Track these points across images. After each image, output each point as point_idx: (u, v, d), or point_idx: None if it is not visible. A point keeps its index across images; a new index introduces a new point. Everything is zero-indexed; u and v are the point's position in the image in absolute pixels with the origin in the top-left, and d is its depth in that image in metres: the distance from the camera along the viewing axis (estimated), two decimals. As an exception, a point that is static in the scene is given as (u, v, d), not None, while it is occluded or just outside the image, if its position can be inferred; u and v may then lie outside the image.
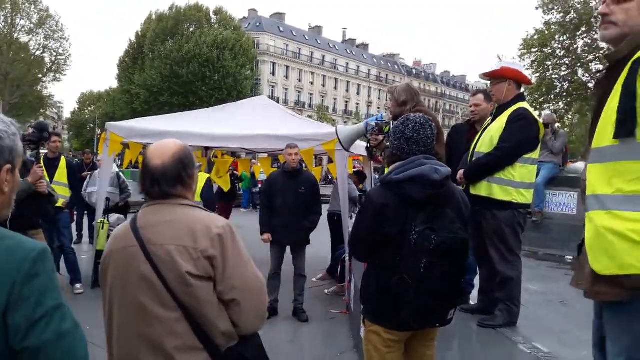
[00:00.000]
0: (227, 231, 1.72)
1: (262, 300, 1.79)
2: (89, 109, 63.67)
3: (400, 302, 2.31)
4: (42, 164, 4.72)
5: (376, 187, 2.62)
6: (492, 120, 4.50)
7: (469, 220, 2.71)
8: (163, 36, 41.15)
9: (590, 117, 1.95)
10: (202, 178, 6.57)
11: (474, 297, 4.83)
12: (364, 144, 7.22)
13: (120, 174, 7.63)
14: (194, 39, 39.73)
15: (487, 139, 4.37)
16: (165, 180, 1.76)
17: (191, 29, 42.18)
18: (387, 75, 77.02)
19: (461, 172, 4.39)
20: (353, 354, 4.51)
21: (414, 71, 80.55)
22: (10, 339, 1.11)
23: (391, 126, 4.50)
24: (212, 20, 44.05)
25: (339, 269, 6.55)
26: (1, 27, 39.36)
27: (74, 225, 8.84)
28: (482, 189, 4.29)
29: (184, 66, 38.60)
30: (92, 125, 54.71)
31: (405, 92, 3.96)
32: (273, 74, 62.46)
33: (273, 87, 61.56)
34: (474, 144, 4.52)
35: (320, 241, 6.76)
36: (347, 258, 5.91)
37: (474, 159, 4.42)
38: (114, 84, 44.58)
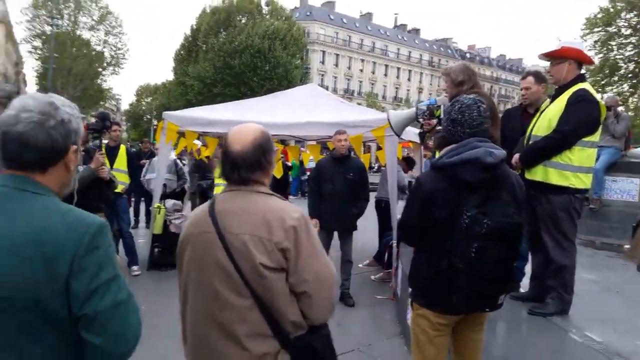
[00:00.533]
0: (301, 223, 1.70)
1: (332, 293, 1.79)
2: (146, 100, 66.00)
3: (450, 286, 2.29)
4: (104, 152, 4.99)
5: (427, 171, 2.58)
6: (551, 102, 4.33)
7: (524, 204, 2.63)
8: (216, 28, 41.98)
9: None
10: None
11: (524, 285, 4.70)
12: (414, 130, 7.15)
13: (178, 161, 7.92)
14: (246, 31, 40.28)
15: (545, 122, 4.20)
16: (245, 166, 1.75)
17: (243, 21, 42.79)
18: (439, 60, 75.16)
19: (517, 156, 4.25)
20: (399, 340, 4.51)
21: (467, 55, 78.14)
22: (71, 305, 1.21)
23: (442, 110, 4.42)
24: (264, 11, 44.49)
25: (385, 256, 6.54)
26: (66, 24, 41.42)
27: (131, 211, 9.27)
28: (537, 174, 4.15)
29: (236, 57, 39.25)
30: (148, 117, 56.73)
31: (463, 72, 3.82)
32: (323, 62, 62.45)
33: (322, 75, 61.56)
34: (530, 127, 4.36)
35: (367, 228, 6.77)
36: (394, 244, 5.89)
37: (530, 142, 4.27)
38: (170, 76, 45.97)
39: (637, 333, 3.84)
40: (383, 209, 6.87)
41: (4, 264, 1.17)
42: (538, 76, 4.76)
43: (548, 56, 4.38)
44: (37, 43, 41.97)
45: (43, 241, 1.19)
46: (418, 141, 7.42)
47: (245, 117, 6.66)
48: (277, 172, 9.64)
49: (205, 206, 1.83)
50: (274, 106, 7.46)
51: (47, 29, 40.01)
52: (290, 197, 17.30)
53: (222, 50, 40.11)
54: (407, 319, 4.41)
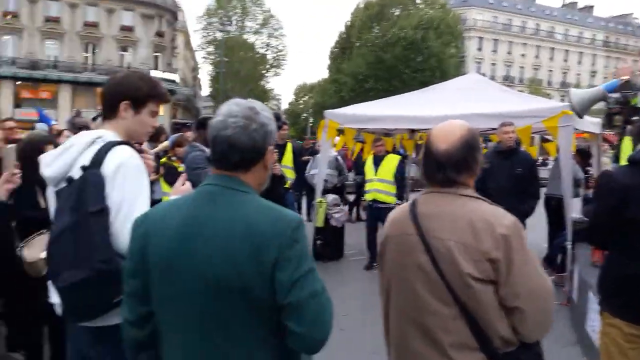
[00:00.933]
0: (513, 231, 1.56)
1: (549, 309, 1.66)
2: (303, 99, 69.54)
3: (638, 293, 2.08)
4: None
5: (622, 166, 2.34)
6: None
7: None
8: (369, 23, 42.43)
9: None
10: (395, 158, 6.80)
11: None
12: (592, 120, 6.43)
13: (339, 157, 8.23)
14: (399, 23, 40.05)
15: None
16: (451, 166, 1.64)
17: (396, 13, 42.60)
18: (617, 39, 66.37)
19: None
20: (576, 349, 4.13)
21: (653, 31, 67.71)
22: (277, 294, 1.32)
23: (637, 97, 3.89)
24: (417, 1, 43.74)
25: (558, 258, 6.00)
26: (234, 30, 45.59)
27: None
28: None
29: (388, 51, 39.27)
30: (305, 114, 59.70)
31: None
32: (480, 49, 59.33)
33: (479, 63, 58.49)
34: None
35: (535, 227, 6.28)
36: (568, 246, 5.38)
37: None
38: (326, 74, 47.75)
39: None
40: (554, 207, 6.30)
41: (220, 255, 1.33)
42: None
43: None
44: (210, 49, 46.83)
45: (252, 235, 1.33)
46: (595, 131, 6.67)
47: (404, 112, 6.65)
48: None
49: (405, 207, 1.78)
50: (431, 99, 7.31)
51: (219, 35, 44.37)
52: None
53: (375, 44, 40.40)
54: (587, 326, 4.01)
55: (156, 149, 6.11)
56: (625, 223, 2.13)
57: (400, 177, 6.71)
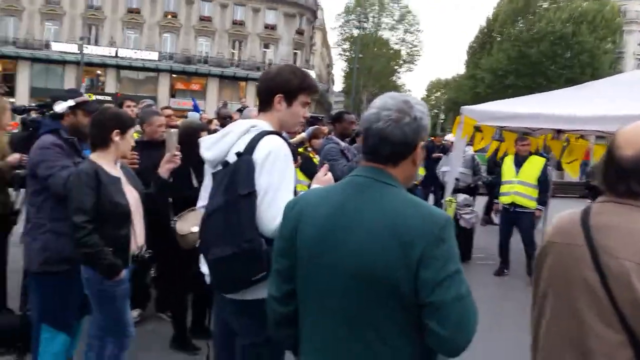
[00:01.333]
0: None
1: None
2: (436, 95, 67.89)
3: None
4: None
5: None
6: None
7: None
8: (513, 17, 40.01)
9: None
10: (540, 161, 6.40)
11: None
12: None
13: (475, 156, 7.88)
14: (547, 16, 37.14)
15: None
16: (636, 177, 1.41)
17: (544, 5, 39.57)
18: None
19: None
20: None
21: None
22: (419, 292, 1.29)
23: None
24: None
25: None
26: (370, 27, 45.94)
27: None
28: None
29: (532, 46, 36.68)
30: (436, 111, 58.22)
31: None
32: (642, 44, 52.60)
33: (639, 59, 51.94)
34: None
35: None
36: None
37: None
38: (461, 70, 46.14)
39: None
40: None
41: (367, 247, 1.33)
42: None
43: None
44: (346, 46, 47.77)
45: (400, 229, 1.31)
46: None
47: (549, 110, 6.13)
48: (573, 171, 8.57)
49: (575, 215, 1.56)
50: (582, 97, 6.65)
51: (355, 32, 45.06)
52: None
53: (518, 39, 37.99)
54: None
55: (294, 140, 6.41)
56: None
57: (544, 181, 6.34)
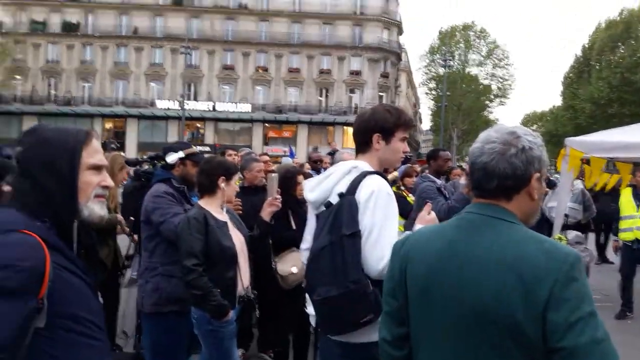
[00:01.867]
0: None
1: None
2: (532, 128, 65.06)
3: None
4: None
5: None
6: None
7: None
8: (612, 43, 37.75)
9: None
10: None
11: None
12: None
13: (586, 191, 7.33)
14: (650, 39, 34.63)
15: None
16: None
17: (646, 29, 36.97)
18: None
19: None
20: None
21: None
22: (548, 335, 1.18)
23: None
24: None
25: None
26: (456, 64, 45.43)
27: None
28: None
29: (637, 72, 34.14)
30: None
31: None
32: None
33: None
34: None
35: None
36: None
37: None
38: (558, 101, 43.90)
39: None
40: None
41: (483, 284, 1.26)
42: None
43: None
44: (432, 85, 47.44)
45: (522, 267, 1.22)
46: None
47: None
48: None
49: None
50: None
51: (441, 70, 44.78)
52: None
53: (620, 65, 35.59)
54: None
55: (386, 179, 6.40)
56: None
57: None
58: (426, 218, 2.04)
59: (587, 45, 40.92)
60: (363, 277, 1.85)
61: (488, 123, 47.46)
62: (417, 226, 1.98)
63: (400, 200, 5.25)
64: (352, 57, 41.48)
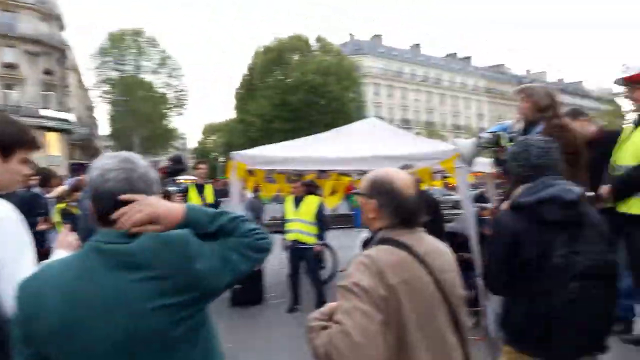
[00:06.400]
0: None
1: None
2: (212, 138, 68.49)
3: (549, 331, 2.18)
4: (195, 189, 6.21)
5: (506, 211, 2.47)
6: (635, 128, 4.10)
7: (616, 242, 2.49)
8: (270, 66, 43.27)
9: None
10: (315, 200, 6.82)
11: (637, 329, 4.32)
12: (485, 160, 6.96)
13: (256, 200, 8.11)
14: (298, 67, 41.33)
15: (631, 150, 3.97)
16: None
17: (295, 58, 43.96)
18: (495, 86, 73.81)
19: (606, 187, 4.02)
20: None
21: (525, 80, 76.31)
22: None
23: (505, 136, 4.27)
24: (313, 48, 45.48)
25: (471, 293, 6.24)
26: (130, 69, 44.21)
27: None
28: (633, 206, 3.89)
29: (292, 93, 40.22)
30: (215, 154, 58.76)
31: (548, 96, 3.60)
32: (377, 94, 62.80)
33: (378, 107, 61.81)
34: (614, 156, 4.13)
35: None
36: (479, 281, 5.63)
37: (616, 172, 4.03)
38: (233, 114, 47.69)
39: None
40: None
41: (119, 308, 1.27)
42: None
43: (629, 81, 4.17)
44: (106, 87, 44.85)
45: None
46: (488, 171, 7.23)
47: (311, 153, 6.76)
48: (330, 203, 9.48)
49: (398, 250, 1.72)
50: (338, 141, 7.52)
51: (114, 74, 42.84)
52: (355, 229, 17.08)
53: (279, 87, 41.23)
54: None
55: (52, 194, 5.64)
56: (522, 265, 2.23)
57: (320, 219, 6.75)
58: (64, 242, 1.88)
59: (251, 66, 45.66)
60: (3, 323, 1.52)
61: (169, 131, 47.98)
62: (57, 253, 1.80)
63: (70, 217, 4.75)
64: (5, 47, 35.38)
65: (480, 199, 7.90)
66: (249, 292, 6.73)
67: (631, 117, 4.27)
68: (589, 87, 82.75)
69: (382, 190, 1.79)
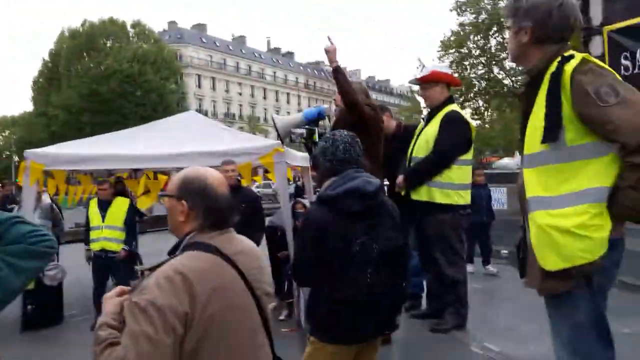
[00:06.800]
0: None
1: None
2: (4, 134, 59.33)
3: (349, 315, 2.32)
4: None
5: (313, 205, 2.62)
6: (426, 124, 4.61)
7: (409, 225, 2.77)
8: (78, 53, 39.18)
9: (519, 125, 2.08)
10: (124, 203, 6.20)
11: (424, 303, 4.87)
12: (302, 155, 7.21)
13: (54, 205, 7.00)
14: (112, 55, 38.20)
15: (423, 143, 4.46)
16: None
17: (108, 44, 40.52)
18: (314, 82, 77.74)
19: (401, 177, 4.45)
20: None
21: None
22: None
23: (317, 132, 4.57)
24: (130, 34, 42.52)
25: (285, 285, 6.39)
26: None
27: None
28: (422, 194, 4.37)
29: (103, 83, 36.96)
30: (8, 153, 50.98)
31: (362, 91, 4.07)
32: (199, 86, 61.21)
33: (200, 99, 60.32)
34: (410, 149, 4.60)
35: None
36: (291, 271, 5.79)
37: (412, 164, 4.50)
38: (29, 106, 41.82)
39: (527, 338, 4.13)
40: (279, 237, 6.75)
41: None
42: None
43: (420, 81, 4.69)
44: None
45: None
46: (306, 165, 7.51)
47: (122, 150, 6.20)
48: (142, 204, 8.80)
49: (206, 254, 1.62)
50: (153, 136, 7.05)
51: None
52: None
53: (88, 76, 37.55)
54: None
55: None
56: (325, 256, 2.34)
57: (129, 223, 6.09)
58: None
59: (54, 52, 40.73)
60: None
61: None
62: None
63: None
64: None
65: (297, 193, 8.20)
66: (45, 311, 5.90)
67: (425, 113, 4.82)
68: (394, 84, 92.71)
69: (193, 190, 1.68)
